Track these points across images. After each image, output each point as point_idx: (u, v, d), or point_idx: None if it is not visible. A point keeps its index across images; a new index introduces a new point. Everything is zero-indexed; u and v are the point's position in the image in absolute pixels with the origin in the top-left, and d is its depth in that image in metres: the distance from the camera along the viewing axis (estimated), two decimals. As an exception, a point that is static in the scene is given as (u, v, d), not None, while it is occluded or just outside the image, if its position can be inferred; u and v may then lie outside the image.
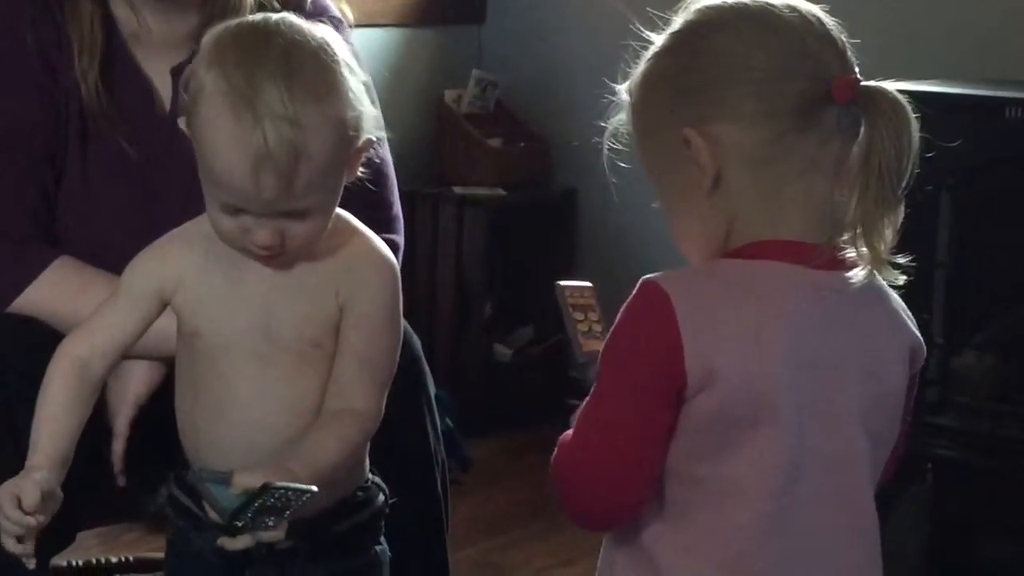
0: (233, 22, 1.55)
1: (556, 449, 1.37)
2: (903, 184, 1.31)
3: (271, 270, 1.55)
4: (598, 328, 1.46)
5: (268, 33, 1.49)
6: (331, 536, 1.59)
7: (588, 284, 1.51)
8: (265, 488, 1.40)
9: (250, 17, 1.58)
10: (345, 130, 1.50)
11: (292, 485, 1.41)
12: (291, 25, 1.51)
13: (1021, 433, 2.70)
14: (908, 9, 3.22)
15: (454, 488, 1.97)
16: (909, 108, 1.32)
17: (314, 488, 1.41)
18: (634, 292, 1.33)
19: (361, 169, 1.57)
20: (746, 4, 1.36)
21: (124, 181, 1.94)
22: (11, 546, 1.49)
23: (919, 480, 2.74)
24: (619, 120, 1.42)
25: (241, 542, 1.45)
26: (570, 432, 1.37)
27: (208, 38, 1.53)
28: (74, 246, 1.93)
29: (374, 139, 1.56)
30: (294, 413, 1.54)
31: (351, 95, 1.50)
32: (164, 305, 1.59)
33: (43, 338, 1.84)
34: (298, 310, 1.54)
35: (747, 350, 1.30)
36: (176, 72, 1.95)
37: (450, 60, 3.80)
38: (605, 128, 1.43)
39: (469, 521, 2.91)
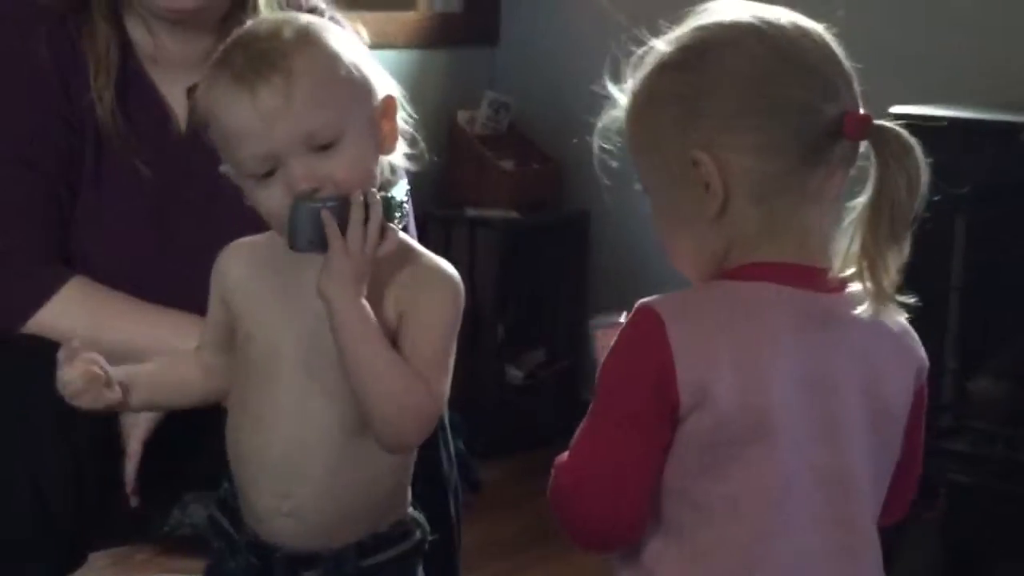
0: None
1: (553, 471, 1.38)
2: (911, 223, 1.32)
3: (316, 281, 1.52)
4: None
5: (260, 20, 1.56)
6: (357, 571, 1.58)
7: (621, 320, 1.50)
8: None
9: None
10: (339, 62, 1.49)
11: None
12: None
13: (1036, 458, 2.69)
14: (922, 32, 3.22)
15: (465, 510, 1.97)
16: (919, 148, 1.32)
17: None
18: (630, 315, 1.34)
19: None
20: (759, 26, 1.34)
21: (139, 201, 1.95)
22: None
23: (932, 505, 2.73)
24: (611, 118, 1.41)
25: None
26: (566, 454, 1.37)
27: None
28: (88, 266, 1.93)
29: (396, 96, 1.55)
30: (335, 430, 1.53)
31: (340, 40, 1.52)
32: (229, 309, 1.59)
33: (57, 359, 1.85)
34: None
35: (741, 370, 1.31)
36: (193, 92, 1.96)
37: (463, 81, 3.81)
38: (608, 141, 1.43)
39: (481, 543, 2.91)
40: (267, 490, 1.55)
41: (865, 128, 1.32)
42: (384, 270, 1.52)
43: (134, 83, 1.95)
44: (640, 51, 1.38)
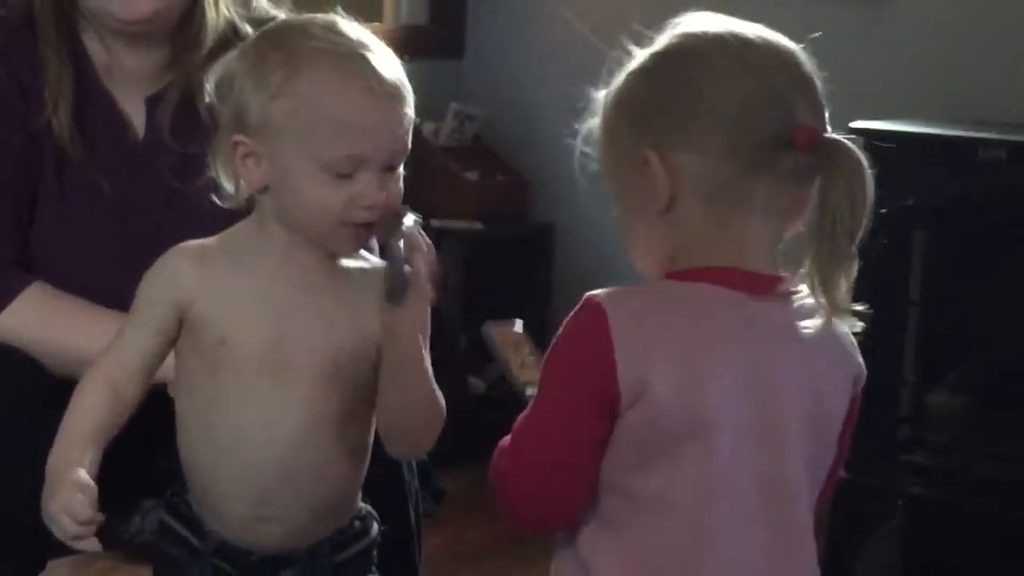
0: (271, 27, 1.57)
1: (495, 454, 1.41)
2: (856, 239, 1.34)
3: (300, 286, 1.53)
4: (531, 359, 1.49)
5: (322, 21, 1.55)
6: (332, 566, 1.59)
7: (517, 323, 1.54)
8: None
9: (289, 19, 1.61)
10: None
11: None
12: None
13: (993, 472, 2.71)
14: (884, 50, 3.25)
15: (427, 520, 1.97)
16: (866, 164, 1.34)
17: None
18: (576, 307, 1.37)
19: None
20: (725, 37, 1.38)
21: (98, 209, 1.94)
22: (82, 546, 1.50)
23: (890, 518, 2.75)
24: (594, 124, 1.44)
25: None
26: (508, 438, 1.41)
27: (248, 51, 1.53)
28: (48, 273, 1.92)
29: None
30: (313, 434, 1.53)
31: None
32: (180, 318, 1.55)
33: (16, 364, 1.85)
34: (335, 323, 1.53)
35: (680, 366, 1.33)
36: (150, 101, 1.96)
37: (428, 93, 3.81)
38: (581, 160, 1.46)
39: (442, 554, 2.91)
40: (245, 498, 1.54)
41: (814, 140, 1.35)
42: (369, 284, 1.54)
43: (91, 95, 1.94)
44: (624, 60, 1.42)
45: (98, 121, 1.95)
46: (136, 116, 1.97)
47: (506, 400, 3.72)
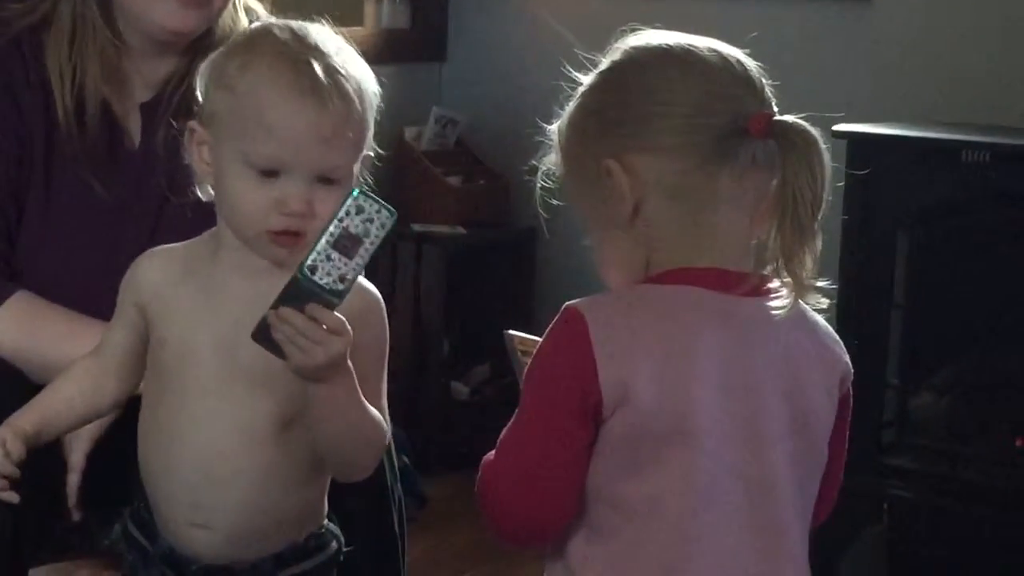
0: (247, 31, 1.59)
1: (480, 468, 1.41)
2: (817, 212, 1.35)
3: (245, 290, 1.52)
4: None
5: (299, 26, 1.54)
6: None
7: (539, 338, 1.54)
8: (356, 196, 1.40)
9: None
10: (369, 115, 1.53)
11: (382, 202, 1.41)
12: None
13: (977, 475, 2.72)
14: (866, 53, 3.25)
15: (411, 526, 1.97)
16: (820, 139, 1.36)
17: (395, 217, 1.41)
18: (556, 317, 1.37)
19: None
20: (669, 45, 1.42)
21: (88, 218, 1.94)
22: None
23: (875, 522, 2.75)
24: (550, 160, 1.47)
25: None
26: (492, 452, 1.40)
27: (227, 45, 1.55)
28: (35, 282, 1.92)
29: (371, 155, 1.57)
30: (248, 439, 1.53)
31: (373, 95, 1.54)
32: (144, 318, 1.58)
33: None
34: None
35: (660, 370, 1.34)
36: (146, 108, 1.95)
37: (410, 97, 3.81)
38: (541, 196, 1.49)
39: (426, 559, 2.90)
40: (178, 501, 1.54)
41: (768, 125, 1.36)
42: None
43: (90, 101, 1.94)
44: (571, 91, 1.45)
45: (95, 128, 1.95)
46: (132, 123, 1.97)
47: (490, 405, 3.73)
